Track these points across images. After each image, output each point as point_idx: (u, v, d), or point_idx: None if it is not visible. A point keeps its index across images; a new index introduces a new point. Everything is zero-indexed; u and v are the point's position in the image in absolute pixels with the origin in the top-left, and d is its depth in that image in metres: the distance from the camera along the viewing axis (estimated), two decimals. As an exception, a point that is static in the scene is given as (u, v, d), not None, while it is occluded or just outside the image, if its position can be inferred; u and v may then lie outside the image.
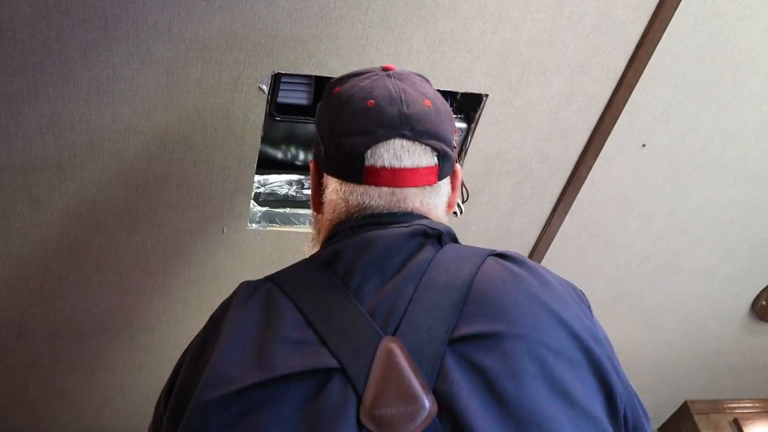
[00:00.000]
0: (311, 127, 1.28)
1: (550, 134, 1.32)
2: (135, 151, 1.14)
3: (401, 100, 0.77)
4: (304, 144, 1.34)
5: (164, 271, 1.37)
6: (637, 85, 1.27)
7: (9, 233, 1.21)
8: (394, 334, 0.64)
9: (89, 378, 1.59)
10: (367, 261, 0.70)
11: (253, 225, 1.33)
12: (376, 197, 0.77)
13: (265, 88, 1.10)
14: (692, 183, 1.54)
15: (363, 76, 0.81)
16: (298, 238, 1.35)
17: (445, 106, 0.83)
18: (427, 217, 0.79)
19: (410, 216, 0.77)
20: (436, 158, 0.79)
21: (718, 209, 1.64)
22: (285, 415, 0.61)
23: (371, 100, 0.77)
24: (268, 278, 0.74)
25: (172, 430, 0.65)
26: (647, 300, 1.90)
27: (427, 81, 0.86)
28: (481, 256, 0.73)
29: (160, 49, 1.02)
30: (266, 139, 1.26)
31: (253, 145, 1.19)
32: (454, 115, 1.26)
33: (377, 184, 0.77)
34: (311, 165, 0.86)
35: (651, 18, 1.17)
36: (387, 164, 0.76)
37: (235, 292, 0.74)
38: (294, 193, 1.36)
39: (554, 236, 1.56)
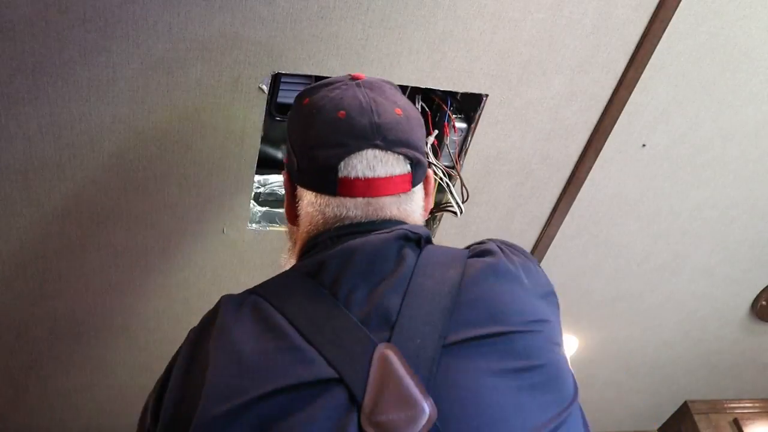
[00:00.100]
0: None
1: (550, 134, 1.32)
2: (135, 151, 1.14)
3: (372, 110, 0.77)
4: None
5: (164, 270, 1.37)
6: (637, 85, 1.27)
7: (9, 233, 1.21)
8: (388, 341, 0.65)
9: (89, 378, 1.59)
10: (354, 270, 0.71)
11: (253, 225, 1.33)
12: (353, 208, 0.77)
13: (265, 88, 1.10)
14: (692, 183, 1.54)
15: (332, 86, 0.81)
16: (298, 238, 1.35)
17: (415, 113, 0.84)
18: (405, 223, 0.79)
19: (389, 223, 0.78)
20: (408, 166, 0.79)
21: (718, 209, 1.64)
22: (290, 425, 0.61)
23: (342, 111, 0.77)
24: (251, 291, 0.74)
25: None
26: (647, 300, 1.90)
27: (397, 88, 0.86)
28: (462, 259, 0.74)
29: (160, 49, 1.02)
30: (266, 139, 1.26)
31: (253, 145, 1.19)
32: (454, 115, 1.26)
33: (352, 195, 0.77)
34: (284, 177, 0.86)
35: (651, 18, 1.17)
36: (361, 175, 0.76)
37: (218, 306, 0.74)
38: (294, 193, 1.36)
39: (554, 236, 1.56)
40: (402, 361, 0.63)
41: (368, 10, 1.04)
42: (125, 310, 1.43)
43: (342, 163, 0.76)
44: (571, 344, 2.02)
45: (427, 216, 0.87)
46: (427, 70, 1.15)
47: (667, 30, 1.19)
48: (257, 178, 1.32)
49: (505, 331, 0.67)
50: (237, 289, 1.54)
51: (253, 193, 1.29)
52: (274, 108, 1.22)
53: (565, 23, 1.14)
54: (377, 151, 0.77)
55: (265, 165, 1.34)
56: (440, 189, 1.31)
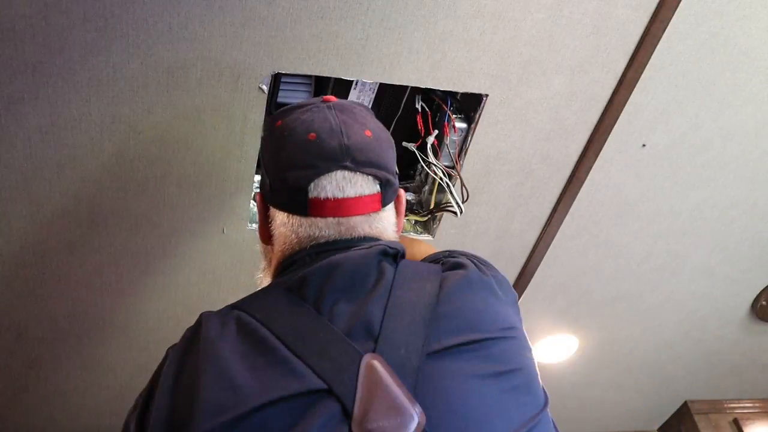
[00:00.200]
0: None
1: (550, 134, 1.32)
2: (135, 151, 1.14)
3: (342, 132, 0.79)
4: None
5: (164, 271, 1.37)
6: (637, 85, 1.27)
7: (9, 233, 1.21)
8: (373, 351, 0.67)
9: (89, 378, 1.59)
10: (336, 285, 0.73)
11: (253, 225, 1.33)
12: (324, 228, 0.79)
13: (265, 88, 1.10)
14: (692, 183, 1.54)
15: (304, 109, 0.83)
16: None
17: (385, 134, 0.86)
18: (380, 239, 0.82)
19: (365, 240, 0.80)
20: (378, 186, 0.81)
21: (718, 209, 1.64)
22: None
23: (312, 133, 0.79)
24: (233, 306, 0.76)
25: None
26: (647, 300, 1.90)
27: (368, 111, 0.88)
28: (436, 273, 0.77)
29: (160, 49, 1.02)
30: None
31: (253, 145, 1.19)
32: (454, 115, 1.26)
33: (323, 215, 0.79)
34: (257, 197, 0.88)
35: (651, 18, 1.17)
36: (330, 195, 0.78)
37: (199, 323, 0.74)
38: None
39: (554, 236, 1.56)
40: (388, 370, 0.65)
41: (368, 10, 1.04)
42: (125, 310, 1.43)
43: (312, 184, 0.78)
44: (571, 344, 2.02)
45: (399, 234, 0.89)
46: (427, 70, 1.15)
47: (667, 30, 1.19)
48: (257, 178, 1.32)
49: (482, 338, 0.71)
50: (237, 289, 1.55)
51: (253, 193, 1.29)
52: (274, 108, 1.22)
53: (565, 23, 1.14)
54: (346, 172, 0.79)
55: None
56: (440, 189, 1.31)
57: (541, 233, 1.55)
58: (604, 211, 1.55)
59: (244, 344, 0.69)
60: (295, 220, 0.80)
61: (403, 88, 1.24)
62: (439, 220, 1.43)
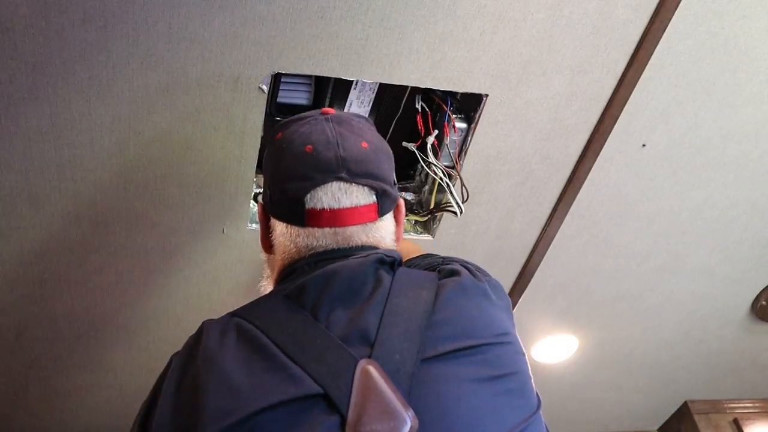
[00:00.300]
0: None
1: (550, 134, 1.32)
2: (135, 151, 1.14)
3: (338, 144, 0.81)
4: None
5: (164, 270, 1.37)
6: (637, 85, 1.27)
7: (9, 233, 1.21)
8: (369, 357, 0.69)
9: (89, 378, 1.59)
10: (334, 293, 0.75)
11: (253, 225, 1.33)
12: (321, 238, 0.82)
13: (265, 88, 1.10)
14: (692, 183, 1.54)
15: (303, 121, 0.85)
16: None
17: (383, 145, 0.88)
18: (378, 248, 0.83)
19: (362, 249, 0.82)
20: (374, 196, 0.83)
21: (718, 209, 1.64)
22: None
23: (309, 145, 0.81)
24: (233, 314, 0.77)
25: None
26: (647, 300, 1.90)
27: (368, 122, 0.90)
28: (432, 281, 0.79)
29: (160, 49, 1.02)
30: (266, 139, 1.26)
31: (253, 145, 1.19)
32: (454, 115, 1.26)
33: (320, 226, 0.81)
34: (258, 208, 0.91)
35: (651, 18, 1.17)
36: (326, 206, 0.80)
37: (200, 330, 0.76)
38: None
39: (554, 236, 1.56)
40: (383, 376, 0.67)
41: (368, 10, 1.05)
42: (125, 310, 1.43)
43: (308, 196, 0.80)
44: (571, 344, 2.02)
45: (399, 244, 0.90)
46: (427, 70, 1.15)
47: (667, 30, 1.19)
48: (257, 178, 1.32)
49: (477, 343, 0.72)
50: (237, 289, 1.55)
51: (253, 193, 1.29)
52: (274, 108, 1.22)
53: (565, 23, 1.14)
54: (342, 183, 0.81)
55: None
56: (440, 189, 1.31)
57: (541, 233, 1.55)
58: (604, 211, 1.55)
59: (244, 351, 0.71)
60: (294, 230, 0.82)
61: (403, 88, 1.24)
62: (439, 220, 1.43)
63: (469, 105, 1.26)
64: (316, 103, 1.26)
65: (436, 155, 1.28)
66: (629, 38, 1.19)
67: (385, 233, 0.86)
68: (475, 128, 1.27)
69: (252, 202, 1.31)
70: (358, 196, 0.81)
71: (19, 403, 1.60)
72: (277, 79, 1.16)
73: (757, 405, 2.56)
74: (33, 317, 1.38)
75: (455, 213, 1.30)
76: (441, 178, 1.27)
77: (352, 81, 1.20)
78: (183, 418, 0.68)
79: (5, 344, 1.42)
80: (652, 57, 1.23)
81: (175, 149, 1.16)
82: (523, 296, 1.72)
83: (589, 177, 1.43)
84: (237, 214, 1.30)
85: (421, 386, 0.68)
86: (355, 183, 0.81)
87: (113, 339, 1.49)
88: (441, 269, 0.83)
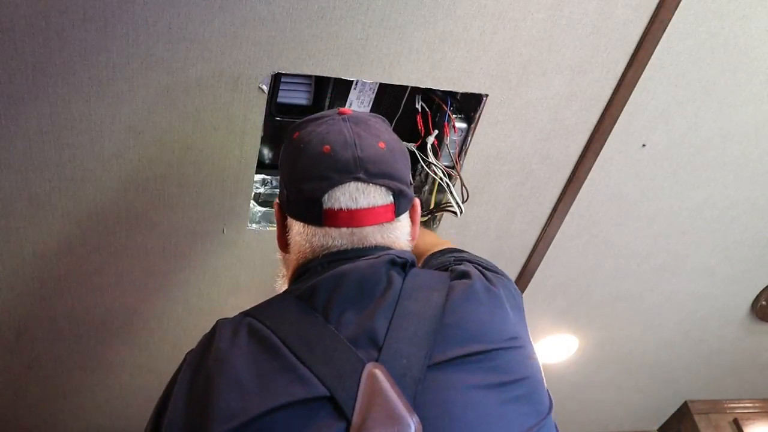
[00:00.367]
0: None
1: (550, 134, 1.32)
2: (135, 151, 1.14)
3: (355, 144, 0.81)
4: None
5: (164, 271, 1.37)
6: (637, 85, 1.27)
7: (9, 233, 1.21)
8: (376, 361, 0.69)
9: (89, 378, 1.59)
10: (345, 294, 0.75)
11: (253, 225, 1.33)
12: (338, 238, 0.82)
13: (265, 88, 1.10)
14: (692, 183, 1.54)
15: (320, 121, 0.85)
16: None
17: (399, 145, 0.88)
18: (392, 248, 0.83)
19: (375, 249, 0.82)
20: (391, 197, 0.83)
21: (718, 209, 1.64)
22: None
23: (327, 146, 0.81)
24: (245, 313, 0.78)
25: None
26: (647, 300, 1.90)
27: (384, 122, 0.90)
28: (444, 282, 0.79)
29: (160, 49, 1.02)
30: (266, 139, 1.26)
31: (253, 145, 1.19)
32: (454, 115, 1.26)
33: (337, 226, 0.81)
34: (275, 207, 0.91)
35: (651, 18, 1.17)
36: (344, 206, 0.80)
37: (214, 330, 0.77)
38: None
39: (554, 236, 1.56)
40: (389, 380, 0.67)
41: (368, 10, 1.05)
42: (125, 310, 1.43)
43: (326, 196, 0.80)
44: (571, 344, 2.02)
45: (413, 243, 0.90)
46: (427, 70, 1.15)
47: (667, 30, 1.19)
48: (257, 178, 1.32)
49: (486, 349, 0.72)
50: (237, 289, 1.55)
51: (252, 193, 1.29)
52: (274, 108, 1.22)
53: (565, 23, 1.14)
54: (359, 184, 0.81)
55: (265, 165, 1.34)
56: (440, 189, 1.31)
57: (541, 233, 1.55)
58: (604, 211, 1.55)
59: (254, 351, 0.71)
60: (310, 229, 0.82)
61: (403, 88, 1.24)
62: (439, 220, 1.43)
63: (469, 105, 1.26)
64: (316, 103, 1.26)
65: (436, 155, 1.28)
66: (629, 38, 1.19)
67: (400, 233, 0.86)
68: (475, 128, 1.27)
69: (252, 201, 1.31)
70: (376, 196, 0.82)
71: (19, 403, 1.60)
72: (277, 79, 1.16)
73: (757, 405, 2.56)
74: (33, 317, 1.38)
75: (455, 213, 1.30)
76: (441, 178, 1.27)
77: (352, 81, 1.20)
78: (193, 417, 0.68)
79: (5, 344, 1.42)
80: (652, 57, 1.23)
81: (175, 149, 1.16)
82: (523, 296, 1.71)
83: (589, 177, 1.43)
84: (237, 214, 1.30)
85: (428, 392, 0.67)
86: (372, 183, 0.81)
87: (113, 339, 1.49)
88: (453, 269, 0.83)
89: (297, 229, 0.84)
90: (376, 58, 1.11)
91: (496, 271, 0.86)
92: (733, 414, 2.52)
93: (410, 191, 0.87)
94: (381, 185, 0.82)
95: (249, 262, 1.39)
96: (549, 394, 0.76)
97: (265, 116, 1.15)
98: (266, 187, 1.35)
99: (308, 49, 1.07)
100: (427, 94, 1.28)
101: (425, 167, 1.28)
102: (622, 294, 1.85)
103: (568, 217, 1.52)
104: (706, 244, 1.73)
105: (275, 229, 0.92)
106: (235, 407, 0.66)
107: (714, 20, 1.21)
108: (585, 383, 2.26)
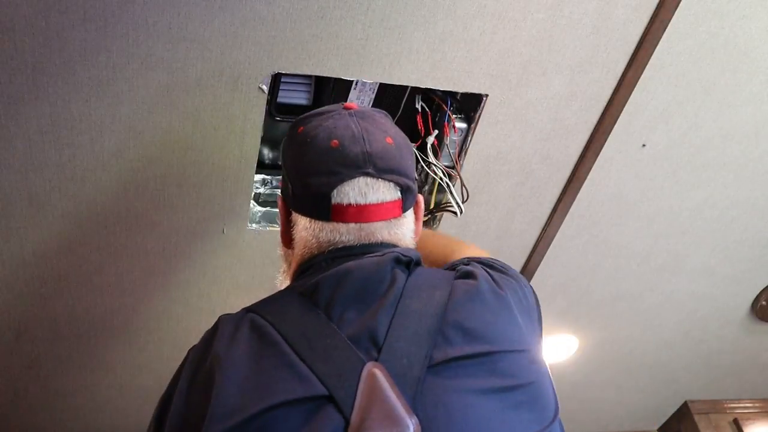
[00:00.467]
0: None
1: (550, 134, 1.32)
2: (135, 151, 1.14)
3: (364, 139, 0.81)
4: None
5: (164, 271, 1.37)
6: (637, 85, 1.27)
7: (9, 233, 1.21)
8: (376, 360, 0.68)
9: (89, 378, 1.59)
10: (347, 292, 0.74)
11: (253, 225, 1.33)
12: (345, 233, 0.81)
13: (265, 88, 1.10)
14: (692, 183, 1.54)
15: (325, 116, 0.84)
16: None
17: (405, 140, 0.87)
18: (397, 246, 0.83)
19: (381, 246, 0.81)
20: (399, 192, 0.82)
21: (718, 209, 1.64)
22: None
23: (335, 140, 0.80)
24: (247, 309, 0.77)
25: None
26: (647, 300, 1.90)
27: (388, 117, 0.89)
28: (448, 281, 0.78)
29: (160, 49, 1.02)
30: (266, 139, 1.26)
31: (253, 145, 1.19)
32: (454, 115, 1.26)
33: (345, 221, 0.80)
34: (279, 202, 0.89)
35: (651, 18, 1.17)
36: (353, 201, 0.80)
37: (216, 326, 0.76)
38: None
39: (554, 236, 1.56)
40: (389, 380, 0.66)
41: (368, 10, 1.05)
42: (125, 310, 1.43)
43: (335, 191, 0.79)
44: (571, 344, 2.02)
45: (417, 239, 0.90)
46: (427, 70, 1.15)
47: (667, 30, 1.19)
48: (257, 178, 1.32)
49: (489, 351, 0.71)
50: (237, 289, 1.54)
51: (253, 193, 1.29)
52: (274, 108, 1.22)
53: (565, 23, 1.14)
54: (368, 179, 0.80)
55: (265, 165, 1.34)
56: (440, 189, 1.31)
57: (541, 233, 1.55)
58: (604, 211, 1.55)
59: (255, 347, 0.71)
60: (317, 224, 0.81)
61: (403, 88, 1.24)
62: (439, 220, 1.43)
63: (469, 105, 1.26)
64: (316, 103, 1.26)
65: (436, 155, 1.28)
66: (629, 38, 1.19)
67: (406, 229, 0.85)
68: (475, 128, 1.27)
69: (252, 201, 1.31)
70: (384, 192, 0.81)
71: (19, 403, 1.60)
72: (277, 79, 1.16)
73: (757, 405, 2.56)
74: (33, 317, 1.38)
75: (455, 213, 1.30)
76: (441, 178, 1.27)
77: (352, 81, 1.20)
78: (195, 413, 0.68)
79: (5, 344, 1.42)
80: (652, 57, 1.23)
81: (175, 149, 1.16)
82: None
83: (589, 177, 1.43)
84: (237, 214, 1.30)
85: (428, 393, 0.67)
86: (381, 179, 0.80)
87: (113, 339, 1.49)
88: (459, 269, 0.82)
89: (303, 224, 0.83)
90: (376, 58, 1.11)
91: (507, 273, 0.84)
92: (733, 414, 2.52)
93: (415, 187, 0.86)
94: (389, 180, 0.81)
95: (249, 262, 1.39)
96: (556, 400, 0.75)
97: (265, 116, 1.15)
98: (266, 187, 1.35)
99: (308, 49, 1.07)
100: (427, 94, 1.28)
101: (425, 167, 1.28)
102: (622, 294, 1.85)
103: (568, 217, 1.52)
104: (706, 244, 1.73)
105: (276, 228, 0.91)
106: (235, 404, 0.66)
107: (714, 20, 1.21)
108: (585, 383, 2.26)
